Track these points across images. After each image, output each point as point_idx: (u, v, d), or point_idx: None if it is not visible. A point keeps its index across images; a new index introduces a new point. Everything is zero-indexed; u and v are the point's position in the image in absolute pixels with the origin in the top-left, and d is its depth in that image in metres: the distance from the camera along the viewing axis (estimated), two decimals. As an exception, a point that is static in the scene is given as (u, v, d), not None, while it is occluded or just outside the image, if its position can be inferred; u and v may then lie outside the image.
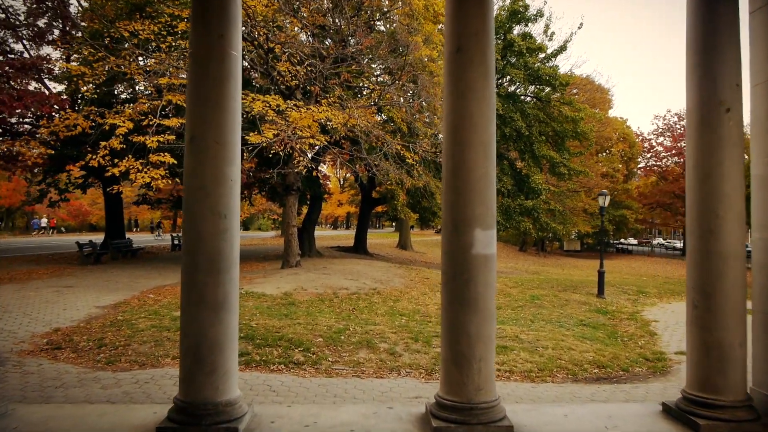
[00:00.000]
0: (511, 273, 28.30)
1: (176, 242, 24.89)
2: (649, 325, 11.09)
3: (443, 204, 4.27)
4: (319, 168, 16.20)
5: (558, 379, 7.33)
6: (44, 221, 45.16)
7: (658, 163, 49.25)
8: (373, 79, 16.48)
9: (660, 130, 48.54)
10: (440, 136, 19.08)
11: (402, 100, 18.42)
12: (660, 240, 66.25)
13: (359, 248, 27.30)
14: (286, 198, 15.13)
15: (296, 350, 7.36)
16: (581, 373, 7.57)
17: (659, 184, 47.62)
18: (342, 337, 7.87)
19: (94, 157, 11.73)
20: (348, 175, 61.26)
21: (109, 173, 11.24)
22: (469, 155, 4.06)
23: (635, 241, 62.17)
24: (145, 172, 11.17)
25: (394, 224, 62.67)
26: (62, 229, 46.08)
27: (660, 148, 48.59)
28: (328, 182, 53.82)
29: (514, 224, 24.25)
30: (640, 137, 49.88)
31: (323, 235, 49.68)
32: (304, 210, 25.31)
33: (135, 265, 18.10)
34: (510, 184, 24.19)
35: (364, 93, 17.69)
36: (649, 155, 49.88)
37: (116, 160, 11.48)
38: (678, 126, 47.58)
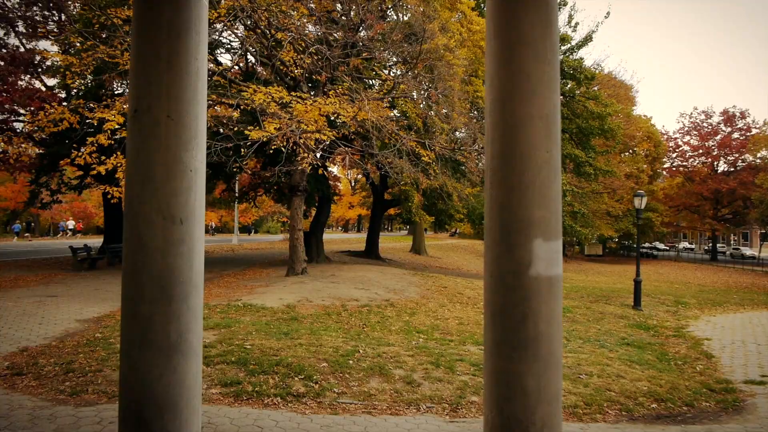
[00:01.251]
0: (531, 279, 26.88)
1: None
2: (702, 345, 9.73)
3: (486, 204, 3.05)
4: (328, 167, 15.06)
5: (610, 416, 6.05)
6: (71, 224, 44.94)
7: (684, 164, 47.28)
8: (386, 71, 15.30)
9: (686, 128, 46.58)
10: (459, 132, 17.84)
11: (415, 95, 17.22)
12: (685, 244, 63.84)
13: (371, 253, 26.11)
14: (292, 199, 14.00)
15: (296, 378, 6.18)
16: (637, 408, 6.28)
17: (685, 185, 45.61)
18: (350, 362, 6.67)
19: (80, 154, 10.72)
20: (359, 176, 60.22)
21: (95, 171, 10.22)
22: (524, 135, 2.84)
23: (660, 246, 59.82)
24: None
25: (407, 227, 61.47)
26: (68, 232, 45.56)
27: (686, 148, 46.60)
28: (339, 184, 52.79)
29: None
30: (665, 136, 47.89)
31: (333, 238, 48.66)
32: (314, 212, 24.21)
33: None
34: (531, 184, 22.82)
35: (376, 86, 16.54)
36: (674, 155, 47.91)
37: (103, 157, 10.45)
38: (705, 124, 45.60)
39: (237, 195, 25.12)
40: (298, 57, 11.61)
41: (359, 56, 11.98)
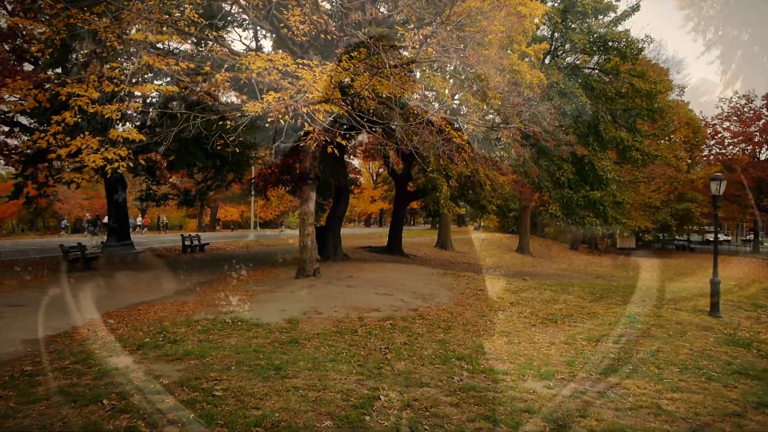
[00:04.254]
0: (571, 276, 24.51)
1: (187, 243, 22.09)
2: (831, 370, 7.36)
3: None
4: (344, 146, 12.92)
5: None
6: (139, 220, 45.21)
7: (722, 151, 43.79)
8: (408, 38, 13.12)
9: (725, 114, 43.03)
10: (494, 115, 15.57)
11: (440, 75, 14.99)
12: (723, 236, 59.82)
13: (394, 248, 24.01)
14: (302, 189, 11.97)
15: (285, 448, 4.13)
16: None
17: (724, 173, 42.21)
18: (367, 418, 4.58)
19: (43, 135, 8.87)
20: (381, 169, 57.92)
21: (55, 154, 8.40)
22: None
23: (698, 238, 55.85)
24: (101, 153, 8.21)
25: (430, 221, 59.19)
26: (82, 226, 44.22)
27: (726, 134, 43.10)
28: (360, 177, 50.65)
29: (578, 219, 20.45)
30: (703, 122, 44.52)
31: (354, 233, 46.61)
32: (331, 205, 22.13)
33: (127, 272, 15.37)
34: (571, 172, 20.39)
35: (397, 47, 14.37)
36: (712, 142, 44.48)
37: (68, 139, 8.58)
38: (746, 109, 42.08)
39: (252, 188, 23.28)
40: (303, 14, 9.55)
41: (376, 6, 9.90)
